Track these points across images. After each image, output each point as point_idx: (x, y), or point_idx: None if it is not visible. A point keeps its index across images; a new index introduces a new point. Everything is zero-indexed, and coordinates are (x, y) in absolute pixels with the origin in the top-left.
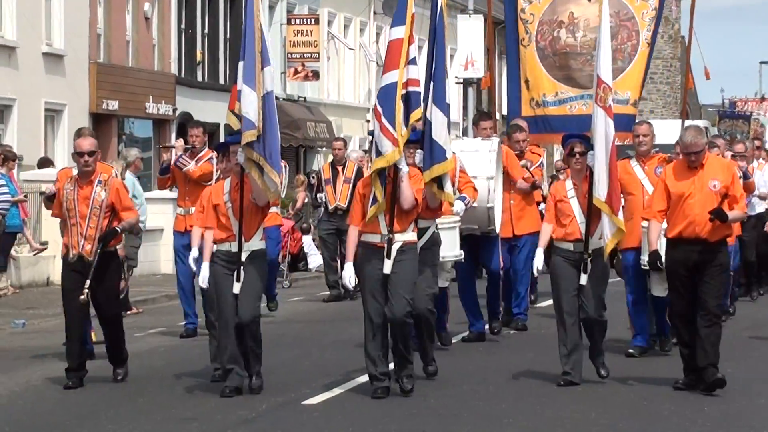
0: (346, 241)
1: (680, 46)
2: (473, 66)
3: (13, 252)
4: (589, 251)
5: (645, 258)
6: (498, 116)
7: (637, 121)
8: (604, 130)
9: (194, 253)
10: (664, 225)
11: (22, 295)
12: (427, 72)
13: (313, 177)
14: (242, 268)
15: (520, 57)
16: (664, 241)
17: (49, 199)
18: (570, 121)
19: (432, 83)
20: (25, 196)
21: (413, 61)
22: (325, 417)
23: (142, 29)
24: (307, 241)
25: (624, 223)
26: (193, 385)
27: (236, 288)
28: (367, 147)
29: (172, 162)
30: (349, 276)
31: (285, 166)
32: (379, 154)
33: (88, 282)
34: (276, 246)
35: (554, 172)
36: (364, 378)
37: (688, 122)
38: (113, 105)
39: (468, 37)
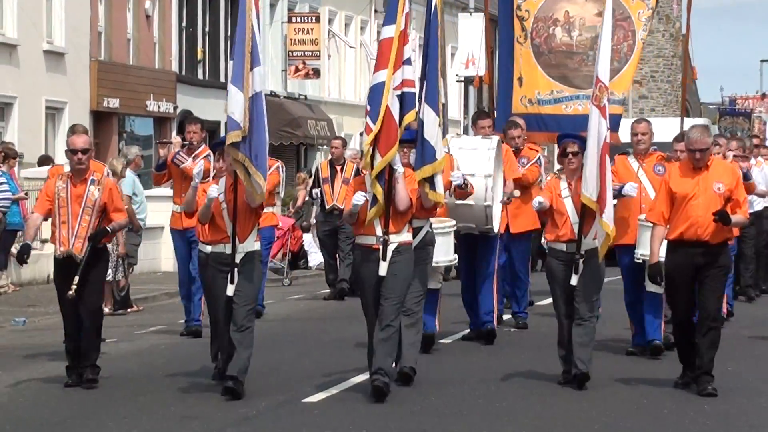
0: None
1: (681, 44)
2: (474, 64)
3: (13, 250)
4: (582, 252)
5: (639, 251)
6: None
7: (635, 119)
8: (597, 130)
9: (213, 191)
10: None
11: (23, 292)
12: (422, 71)
13: (308, 174)
14: (236, 270)
15: (514, 54)
16: (665, 242)
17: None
18: (564, 120)
19: (426, 82)
20: (26, 194)
21: (408, 62)
22: (326, 415)
23: (143, 27)
24: (308, 240)
25: (618, 219)
26: (193, 383)
27: (230, 290)
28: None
29: (168, 158)
30: (358, 199)
31: (282, 166)
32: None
33: (76, 278)
34: (266, 248)
35: (555, 171)
36: (364, 376)
37: (690, 121)
38: (114, 103)
39: (469, 36)
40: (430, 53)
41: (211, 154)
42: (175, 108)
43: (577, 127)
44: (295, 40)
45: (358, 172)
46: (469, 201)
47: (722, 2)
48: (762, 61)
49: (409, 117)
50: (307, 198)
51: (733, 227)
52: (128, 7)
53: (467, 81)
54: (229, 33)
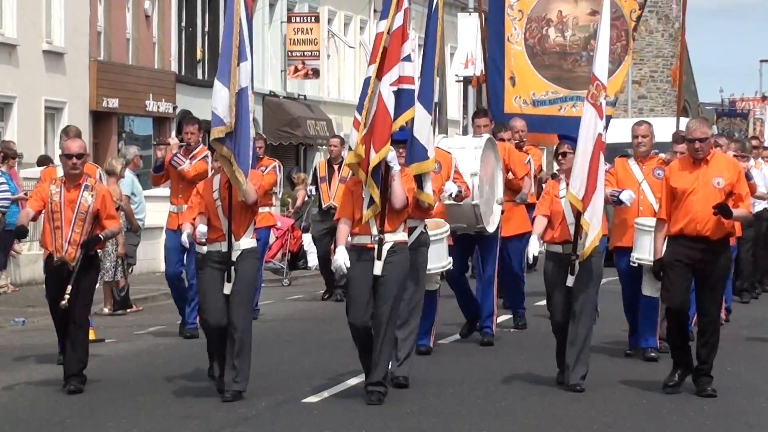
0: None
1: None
2: (474, 64)
3: (12, 251)
4: (577, 253)
5: (635, 255)
6: None
7: (636, 121)
8: (589, 128)
9: (185, 236)
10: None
11: (22, 293)
12: (421, 70)
13: (295, 177)
14: (233, 268)
15: (504, 53)
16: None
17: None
18: (559, 121)
19: (419, 80)
20: (26, 194)
21: (408, 58)
22: (325, 415)
23: (143, 27)
24: (307, 240)
25: (617, 222)
26: (193, 383)
27: (227, 289)
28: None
29: (166, 159)
30: (343, 259)
31: (279, 166)
32: (350, 149)
33: (69, 288)
34: (262, 248)
35: (554, 171)
36: (363, 377)
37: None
38: (113, 103)
39: (468, 36)
40: (427, 51)
41: (209, 154)
42: (174, 108)
43: (570, 129)
44: (294, 40)
45: None
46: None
47: (722, 2)
48: (762, 61)
49: (407, 115)
50: (306, 198)
51: (736, 221)
52: (127, 7)
53: (466, 81)
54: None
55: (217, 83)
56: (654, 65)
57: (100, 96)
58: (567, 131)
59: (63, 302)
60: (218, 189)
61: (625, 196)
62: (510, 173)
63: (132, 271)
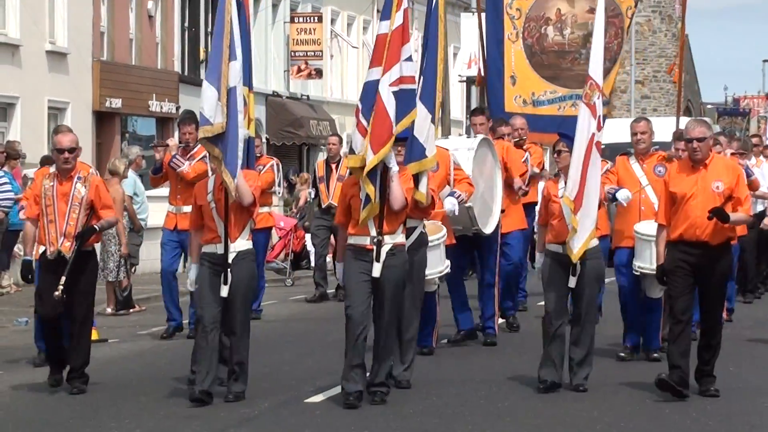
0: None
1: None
2: (477, 64)
3: (15, 250)
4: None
5: (636, 263)
6: None
7: (634, 118)
8: (584, 128)
9: (192, 274)
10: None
11: (25, 293)
12: (420, 68)
13: (293, 177)
14: (229, 270)
15: (504, 52)
16: None
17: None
18: (559, 121)
19: (421, 79)
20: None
21: (409, 59)
22: (327, 416)
23: (146, 27)
24: (310, 240)
25: (617, 222)
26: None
27: (224, 291)
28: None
29: (165, 161)
30: (341, 277)
31: (277, 164)
32: (352, 151)
33: (63, 279)
34: (262, 253)
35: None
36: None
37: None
38: (116, 103)
39: (471, 35)
40: (429, 51)
41: (208, 154)
42: (177, 108)
43: (572, 128)
44: (297, 40)
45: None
46: None
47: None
48: (765, 60)
49: (410, 118)
50: (308, 199)
51: (734, 225)
52: (131, 8)
53: (469, 81)
54: (247, 34)
55: (204, 83)
56: (657, 65)
57: (103, 96)
58: (568, 130)
59: (57, 293)
60: (212, 191)
61: (622, 195)
62: (513, 177)
63: (135, 271)
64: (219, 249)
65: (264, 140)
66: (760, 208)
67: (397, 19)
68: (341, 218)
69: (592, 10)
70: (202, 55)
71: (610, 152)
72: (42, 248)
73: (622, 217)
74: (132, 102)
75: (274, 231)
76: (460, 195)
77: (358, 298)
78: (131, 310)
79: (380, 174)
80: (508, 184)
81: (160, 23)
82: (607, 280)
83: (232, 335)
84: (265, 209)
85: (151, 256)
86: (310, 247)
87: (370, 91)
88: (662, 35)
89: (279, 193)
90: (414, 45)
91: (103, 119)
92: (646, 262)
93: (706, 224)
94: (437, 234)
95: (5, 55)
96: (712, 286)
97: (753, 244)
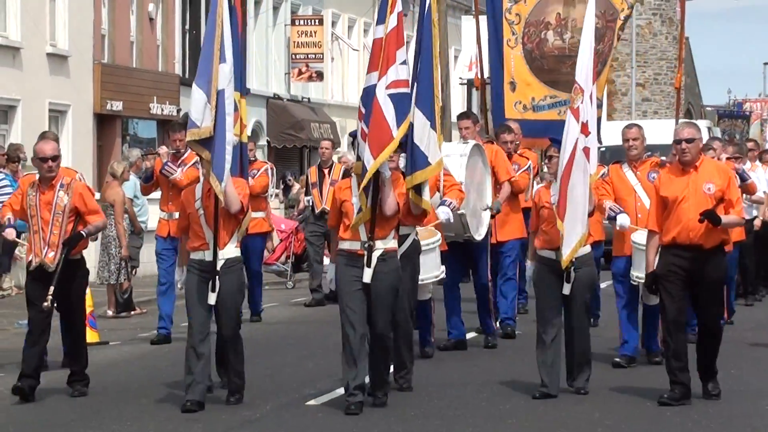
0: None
1: (684, 47)
2: (477, 67)
3: (16, 252)
4: (573, 259)
5: (634, 274)
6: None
7: (626, 124)
8: (567, 134)
9: (179, 275)
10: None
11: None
12: (413, 73)
13: (290, 179)
14: (217, 278)
15: (504, 57)
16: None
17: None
18: (557, 126)
19: (416, 84)
20: None
21: (404, 62)
22: (329, 418)
23: (147, 30)
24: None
25: (615, 232)
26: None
27: (211, 299)
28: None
29: (156, 169)
30: (331, 278)
31: (271, 168)
32: (359, 158)
33: (51, 288)
34: (259, 258)
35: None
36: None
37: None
38: (117, 106)
39: (472, 38)
40: (423, 55)
41: (199, 159)
42: (178, 111)
43: None
44: (298, 42)
45: (346, 174)
46: None
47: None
48: (766, 63)
49: (408, 121)
50: (308, 204)
51: (727, 227)
52: (131, 10)
53: (470, 84)
54: (239, 38)
55: (193, 86)
56: (658, 68)
57: (104, 99)
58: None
59: (45, 303)
60: (201, 197)
61: (622, 220)
62: (500, 180)
63: (135, 273)
64: (207, 256)
65: (264, 143)
66: (754, 213)
67: (391, 21)
68: (333, 222)
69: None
70: None
71: (611, 155)
72: (30, 257)
73: (619, 230)
74: (133, 104)
75: (275, 233)
76: (451, 203)
77: (353, 306)
78: (132, 313)
79: (373, 180)
80: (512, 193)
81: (161, 26)
82: (603, 285)
83: (224, 344)
84: (260, 214)
85: (151, 258)
86: None
87: (369, 96)
88: (663, 38)
89: (272, 196)
90: (407, 48)
91: (103, 122)
92: (644, 272)
93: (698, 227)
94: (432, 238)
95: (6, 58)
96: (706, 289)
97: (751, 248)
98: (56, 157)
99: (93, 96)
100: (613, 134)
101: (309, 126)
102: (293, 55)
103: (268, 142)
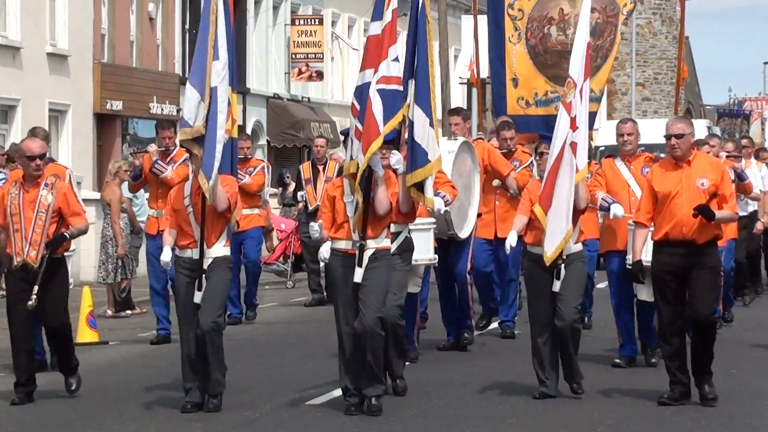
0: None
1: (684, 46)
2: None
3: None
4: (564, 256)
5: (630, 257)
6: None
7: (620, 119)
8: (557, 129)
9: (166, 256)
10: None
11: None
12: (408, 70)
13: (287, 178)
14: (204, 276)
15: (506, 54)
16: (651, 243)
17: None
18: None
19: (414, 81)
20: None
21: (397, 59)
22: (329, 418)
23: (147, 29)
24: None
25: (606, 226)
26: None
27: (197, 297)
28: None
29: (145, 167)
30: (325, 251)
31: (267, 166)
32: (351, 157)
33: (36, 288)
34: (257, 247)
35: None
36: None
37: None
38: (117, 105)
39: (473, 37)
40: (419, 52)
41: (189, 156)
42: (178, 110)
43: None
44: (298, 42)
45: (340, 172)
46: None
47: (726, 5)
48: (765, 63)
49: (398, 118)
50: (301, 199)
51: (720, 223)
52: (131, 10)
53: (470, 83)
54: (232, 35)
55: (187, 85)
56: (658, 67)
57: (104, 98)
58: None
59: (30, 302)
60: (189, 195)
61: (616, 209)
62: (504, 175)
63: (135, 273)
64: (194, 254)
65: (264, 143)
66: (749, 209)
67: (386, 16)
68: (323, 218)
69: (594, 10)
70: None
71: (609, 153)
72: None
73: (611, 221)
74: (133, 104)
75: (275, 233)
76: (445, 196)
77: (348, 306)
78: (130, 312)
79: (366, 178)
80: (503, 188)
81: (160, 25)
82: (603, 284)
83: (205, 342)
84: (256, 211)
85: None
86: None
87: (363, 93)
88: (663, 37)
89: (267, 195)
90: (399, 45)
91: (103, 121)
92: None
93: (692, 222)
94: (425, 219)
95: (6, 57)
96: (700, 287)
97: (744, 243)
98: (44, 155)
99: (93, 96)
100: (612, 133)
101: (309, 125)
102: (293, 55)
103: (268, 141)
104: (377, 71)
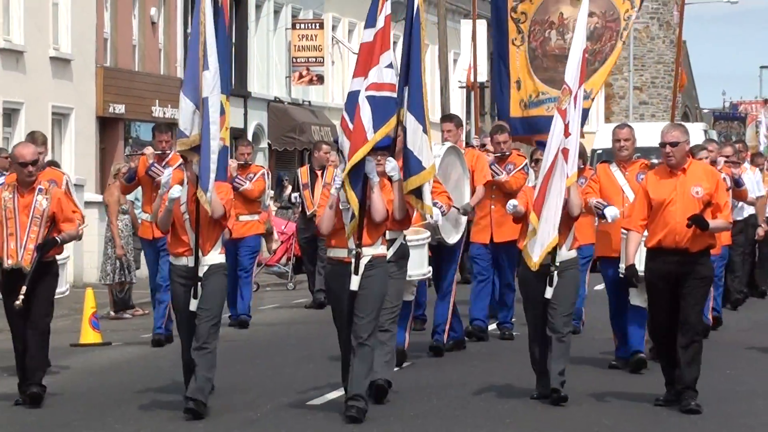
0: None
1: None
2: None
3: None
4: (557, 263)
5: (623, 266)
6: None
7: (617, 124)
8: (552, 135)
9: (174, 192)
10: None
11: None
12: (402, 77)
13: (285, 181)
14: (200, 284)
15: (509, 56)
16: (644, 250)
17: None
18: (543, 121)
19: (407, 89)
20: None
21: (390, 66)
22: (329, 418)
23: (149, 33)
24: None
25: (600, 232)
26: None
27: (193, 305)
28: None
29: (140, 170)
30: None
31: (267, 172)
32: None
33: (23, 288)
34: (251, 254)
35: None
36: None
37: (687, 126)
38: (120, 109)
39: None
40: (413, 58)
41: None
42: None
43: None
44: (298, 46)
45: None
46: None
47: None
48: (762, 67)
49: (390, 125)
50: (295, 201)
51: (714, 232)
52: (134, 14)
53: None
54: (233, 40)
55: (181, 95)
56: (655, 71)
57: (106, 102)
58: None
59: (17, 302)
60: (185, 202)
61: (610, 212)
62: (475, 184)
63: (135, 276)
64: (190, 262)
65: (265, 146)
66: (745, 213)
67: (379, 22)
68: (320, 222)
69: (591, 14)
70: None
71: (607, 157)
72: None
73: (605, 227)
74: (135, 108)
75: (276, 235)
76: (441, 206)
77: (346, 313)
78: (131, 312)
79: (361, 185)
80: (502, 193)
81: (162, 29)
82: (599, 287)
83: (201, 350)
84: (255, 217)
85: None
86: None
87: (352, 101)
88: (660, 41)
89: (268, 200)
90: (392, 51)
91: (106, 125)
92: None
93: (685, 231)
94: (420, 234)
95: (9, 61)
96: (691, 296)
97: (740, 248)
98: (36, 161)
99: (95, 99)
100: (610, 137)
101: (310, 129)
102: (294, 59)
103: (269, 145)
104: (367, 78)
